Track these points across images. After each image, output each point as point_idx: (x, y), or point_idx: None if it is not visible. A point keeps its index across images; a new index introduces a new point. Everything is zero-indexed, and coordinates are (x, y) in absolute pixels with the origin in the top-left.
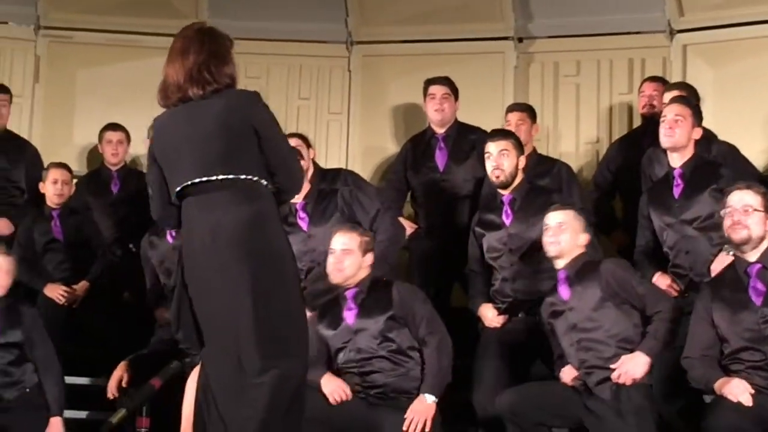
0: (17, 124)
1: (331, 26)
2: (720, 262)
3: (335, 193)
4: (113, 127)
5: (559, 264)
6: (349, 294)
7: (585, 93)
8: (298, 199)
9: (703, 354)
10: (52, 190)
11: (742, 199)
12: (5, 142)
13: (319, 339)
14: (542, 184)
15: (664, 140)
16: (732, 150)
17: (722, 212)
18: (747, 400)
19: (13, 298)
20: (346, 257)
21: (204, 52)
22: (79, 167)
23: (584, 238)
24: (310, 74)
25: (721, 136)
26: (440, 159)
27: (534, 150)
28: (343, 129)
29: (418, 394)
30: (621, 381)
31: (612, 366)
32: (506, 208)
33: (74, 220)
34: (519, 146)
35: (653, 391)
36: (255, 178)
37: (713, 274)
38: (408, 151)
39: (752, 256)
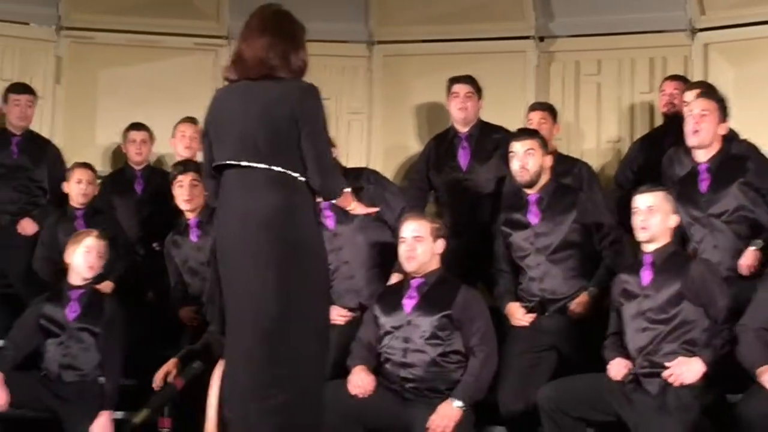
0: (39, 125)
1: (352, 26)
2: (748, 257)
3: (360, 190)
4: (137, 126)
5: (648, 248)
6: (414, 282)
7: (606, 92)
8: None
9: (763, 327)
10: (77, 189)
11: None
12: (28, 142)
13: (371, 321)
14: (555, 180)
15: (691, 139)
16: (753, 148)
17: None
18: None
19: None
20: (418, 244)
21: (279, 35)
22: (101, 167)
23: (674, 219)
24: (331, 74)
25: (742, 135)
26: (463, 158)
27: (555, 149)
28: (364, 128)
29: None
30: (670, 381)
31: (667, 364)
32: (532, 207)
33: (98, 219)
34: (544, 145)
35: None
36: (290, 172)
37: (742, 270)
38: (431, 150)
39: None
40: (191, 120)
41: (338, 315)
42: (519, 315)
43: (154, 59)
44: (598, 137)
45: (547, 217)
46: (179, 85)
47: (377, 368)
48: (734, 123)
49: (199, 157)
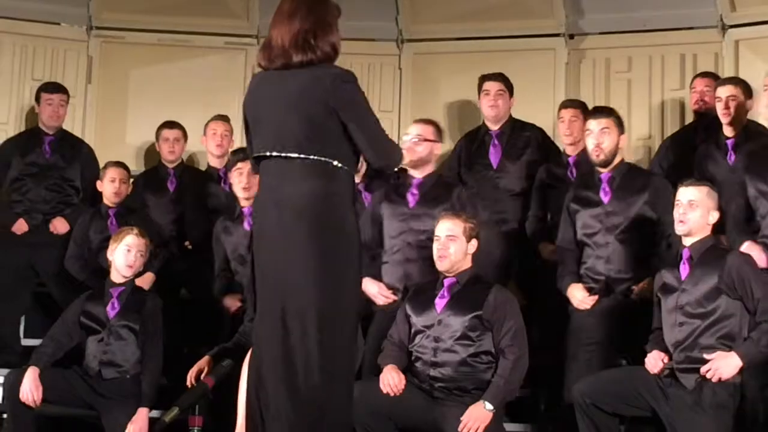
0: (70, 125)
1: (382, 24)
2: None
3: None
4: (170, 124)
5: (687, 242)
6: (446, 282)
7: (636, 89)
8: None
9: None
10: (110, 188)
11: None
12: (61, 142)
13: (403, 320)
14: (629, 162)
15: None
16: None
17: None
18: None
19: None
20: (452, 243)
21: (311, 19)
22: (132, 167)
23: (715, 216)
24: (360, 72)
25: None
26: (494, 156)
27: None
28: (394, 127)
29: (481, 393)
30: (708, 376)
31: (706, 356)
32: (604, 185)
33: (131, 218)
34: (620, 124)
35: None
36: (328, 160)
37: None
38: (462, 148)
39: None
40: (222, 118)
41: (381, 293)
42: (580, 297)
43: (184, 58)
44: (628, 134)
45: (618, 197)
46: (209, 84)
47: (408, 367)
48: (766, 120)
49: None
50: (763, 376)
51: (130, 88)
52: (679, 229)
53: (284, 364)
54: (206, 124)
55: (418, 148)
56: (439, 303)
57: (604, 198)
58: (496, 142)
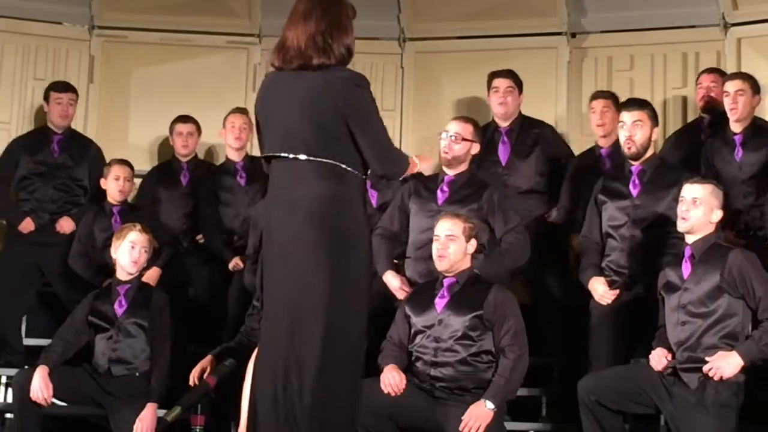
0: (73, 124)
1: (384, 23)
2: None
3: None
4: (184, 119)
5: (689, 239)
6: (446, 282)
7: (639, 87)
8: None
9: None
10: (114, 186)
11: None
12: (70, 141)
13: (402, 320)
14: (661, 156)
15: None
16: None
17: None
18: None
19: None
20: (451, 243)
21: (326, 20)
22: (135, 166)
23: (719, 214)
24: (362, 71)
25: None
26: (503, 153)
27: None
28: (396, 125)
29: (482, 392)
30: (710, 375)
31: (707, 358)
32: (634, 178)
33: (135, 216)
34: (654, 117)
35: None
36: (338, 163)
37: None
38: None
39: None
40: (241, 110)
41: (403, 288)
42: (601, 291)
43: (186, 58)
44: None
45: (647, 191)
46: (212, 83)
47: (408, 367)
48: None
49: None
50: None
51: (132, 88)
52: (681, 226)
53: (290, 365)
54: (225, 117)
55: (456, 146)
56: (439, 303)
57: (633, 191)
58: (506, 139)
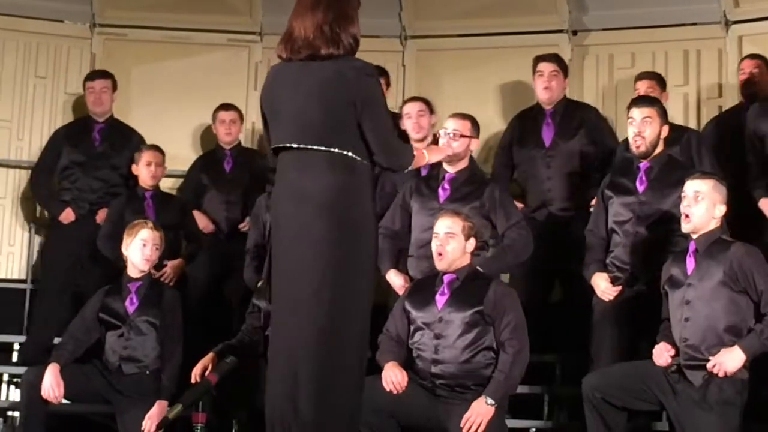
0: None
1: (385, 21)
2: None
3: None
4: (226, 107)
5: (693, 235)
6: (446, 278)
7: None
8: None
9: None
10: (146, 172)
11: None
12: (111, 130)
13: (401, 315)
14: (670, 153)
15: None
16: None
17: None
18: None
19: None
20: (450, 240)
21: (333, 10)
22: None
23: (721, 210)
24: None
25: None
26: (547, 134)
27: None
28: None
29: (482, 390)
30: (714, 371)
31: (710, 357)
32: (642, 174)
33: (168, 203)
34: (663, 114)
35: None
36: (349, 154)
37: None
38: (515, 126)
39: None
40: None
41: (405, 287)
42: (603, 287)
43: (187, 55)
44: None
45: (654, 187)
46: (213, 81)
47: (409, 364)
48: None
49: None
50: None
51: (133, 86)
52: (684, 226)
53: (295, 357)
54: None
55: (454, 143)
56: (440, 300)
57: (640, 187)
58: (550, 120)
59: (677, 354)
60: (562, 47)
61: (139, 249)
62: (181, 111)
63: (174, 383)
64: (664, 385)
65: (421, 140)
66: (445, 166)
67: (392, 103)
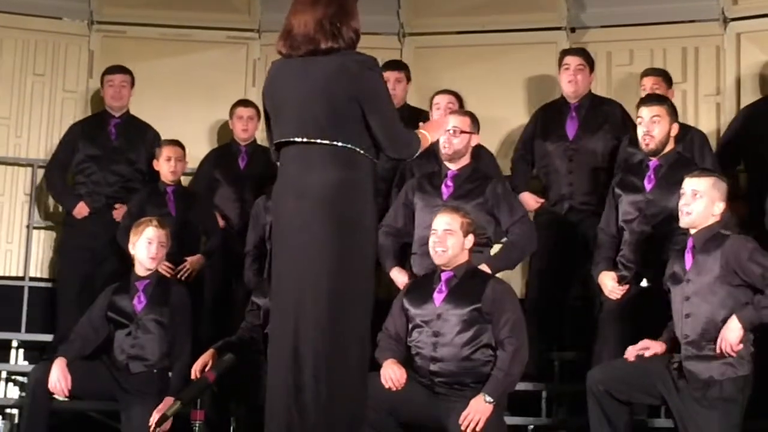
0: (72, 119)
1: (383, 18)
2: None
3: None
4: (244, 103)
5: (692, 230)
6: (444, 276)
7: (638, 82)
8: None
9: None
10: (166, 167)
11: None
12: (127, 125)
13: (400, 312)
14: (679, 150)
15: None
16: None
17: None
18: None
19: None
20: (449, 237)
21: (333, 5)
22: None
23: (720, 207)
24: None
25: None
26: (571, 127)
27: None
28: None
29: (481, 386)
30: (721, 350)
31: (710, 352)
32: (650, 173)
33: (189, 198)
34: (673, 112)
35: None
36: (352, 147)
37: None
38: (538, 119)
39: None
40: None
41: (406, 282)
42: (610, 287)
43: (185, 53)
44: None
45: (661, 186)
46: (211, 78)
47: (408, 362)
48: None
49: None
50: None
51: None
52: (683, 221)
53: (296, 355)
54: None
55: (455, 140)
56: (438, 297)
57: (648, 185)
58: (574, 114)
59: (673, 350)
60: (560, 44)
61: (144, 247)
62: (179, 108)
63: (182, 380)
64: (667, 381)
65: None
66: (447, 163)
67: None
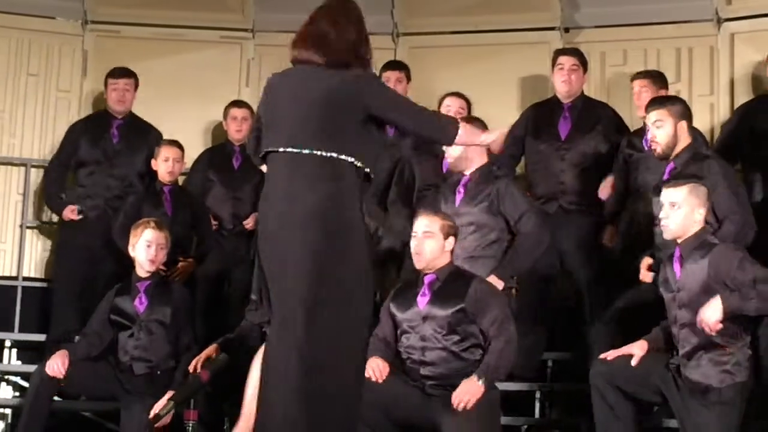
0: (65, 119)
1: (377, 18)
2: None
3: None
4: (238, 104)
5: (678, 240)
6: (426, 279)
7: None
8: None
9: None
10: (164, 167)
11: None
12: (129, 127)
13: (387, 318)
14: (693, 147)
15: None
16: None
17: None
18: None
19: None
20: (427, 240)
21: (354, 24)
22: None
23: (701, 213)
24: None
25: None
26: (563, 127)
27: None
28: None
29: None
30: (704, 328)
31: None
32: (666, 174)
33: (186, 199)
34: (676, 113)
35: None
36: (343, 157)
37: None
38: (529, 117)
39: None
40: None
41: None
42: (642, 272)
43: (179, 52)
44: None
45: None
46: (205, 78)
47: (399, 366)
48: None
49: None
50: None
51: None
52: (665, 233)
53: (283, 366)
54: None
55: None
56: (422, 300)
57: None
58: (567, 114)
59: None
60: (554, 44)
61: (144, 249)
62: (173, 108)
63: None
64: (667, 380)
65: None
66: (455, 169)
67: None
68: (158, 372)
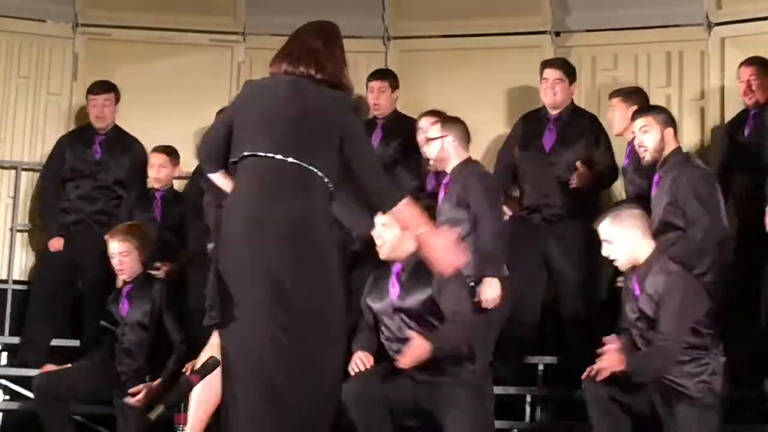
0: (56, 122)
1: (368, 21)
2: None
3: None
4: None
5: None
6: (394, 269)
7: (623, 87)
8: None
9: None
10: (151, 173)
11: None
12: (113, 141)
13: (367, 310)
14: (683, 153)
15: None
16: None
17: None
18: None
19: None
20: (385, 231)
21: (336, 44)
22: None
23: (646, 235)
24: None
25: None
26: (548, 139)
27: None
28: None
29: (458, 370)
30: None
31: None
32: (656, 180)
33: (176, 205)
34: (662, 120)
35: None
36: (321, 175)
37: None
38: (519, 129)
39: None
40: None
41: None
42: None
43: (170, 55)
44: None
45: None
46: (196, 81)
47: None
48: None
49: None
50: None
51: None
52: (621, 268)
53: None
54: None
55: (427, 148)
56: (393, 292)
57: (653, 191)
58: (552, 126)
59: None
60: (545, 48)
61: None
62: (163, 111)
63: (179, 367)
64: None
65: None
66: (439, 168)
67: None
68: (145, 372)
